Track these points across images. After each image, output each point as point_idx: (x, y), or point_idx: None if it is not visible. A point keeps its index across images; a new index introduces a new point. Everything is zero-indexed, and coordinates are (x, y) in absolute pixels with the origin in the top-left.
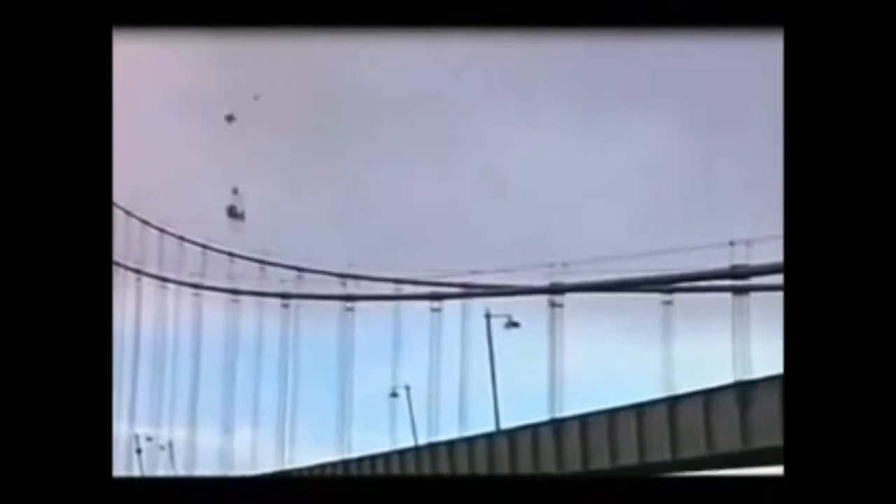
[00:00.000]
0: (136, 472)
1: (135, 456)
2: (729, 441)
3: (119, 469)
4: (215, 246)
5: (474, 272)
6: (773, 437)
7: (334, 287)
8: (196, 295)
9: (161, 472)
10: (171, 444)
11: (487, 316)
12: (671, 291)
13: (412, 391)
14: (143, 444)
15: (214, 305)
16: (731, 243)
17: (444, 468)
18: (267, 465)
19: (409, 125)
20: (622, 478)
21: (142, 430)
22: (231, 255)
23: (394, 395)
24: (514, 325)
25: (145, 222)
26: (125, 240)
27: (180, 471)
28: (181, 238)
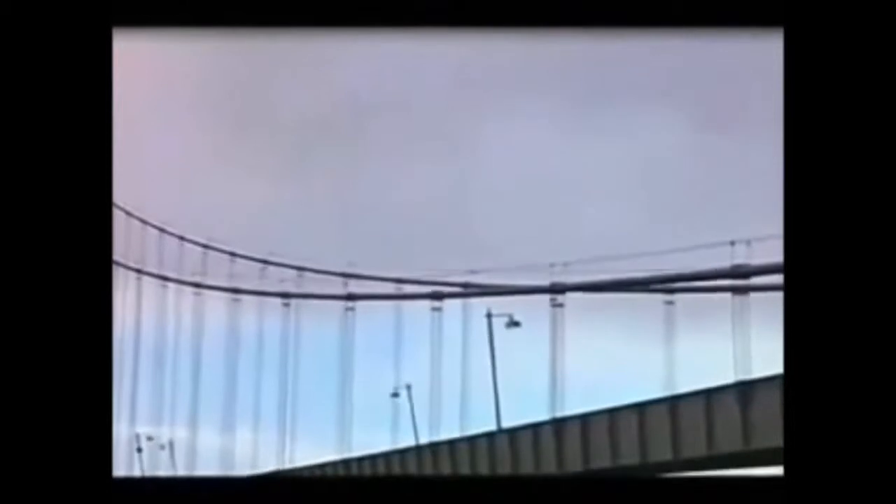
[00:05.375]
0: (136, 472)
1: (135, 456)
2: (730, 441)
3: (119, 469)
4: (216, 245)
5: (474, 272)
6: (774, 437)
7: (335, 287)
8: (197, 294)
9: (161, 471)
10: (171, 444)
11: (489, 315)
12: (672, 291)
13: (413, 390)
14: (144, 444)
15: (215, 305)
16: (732, 243)
17: (445, 467)
18: (267, 464)
19: (409, 124)
20: (622, 478)
21: (142, 429)
22: (233, 254)
23: (395, 395)
24: (516, 324)
25: (144, 222)
26: (125, 240)
27: (181, 471)
28: (181, 238)
